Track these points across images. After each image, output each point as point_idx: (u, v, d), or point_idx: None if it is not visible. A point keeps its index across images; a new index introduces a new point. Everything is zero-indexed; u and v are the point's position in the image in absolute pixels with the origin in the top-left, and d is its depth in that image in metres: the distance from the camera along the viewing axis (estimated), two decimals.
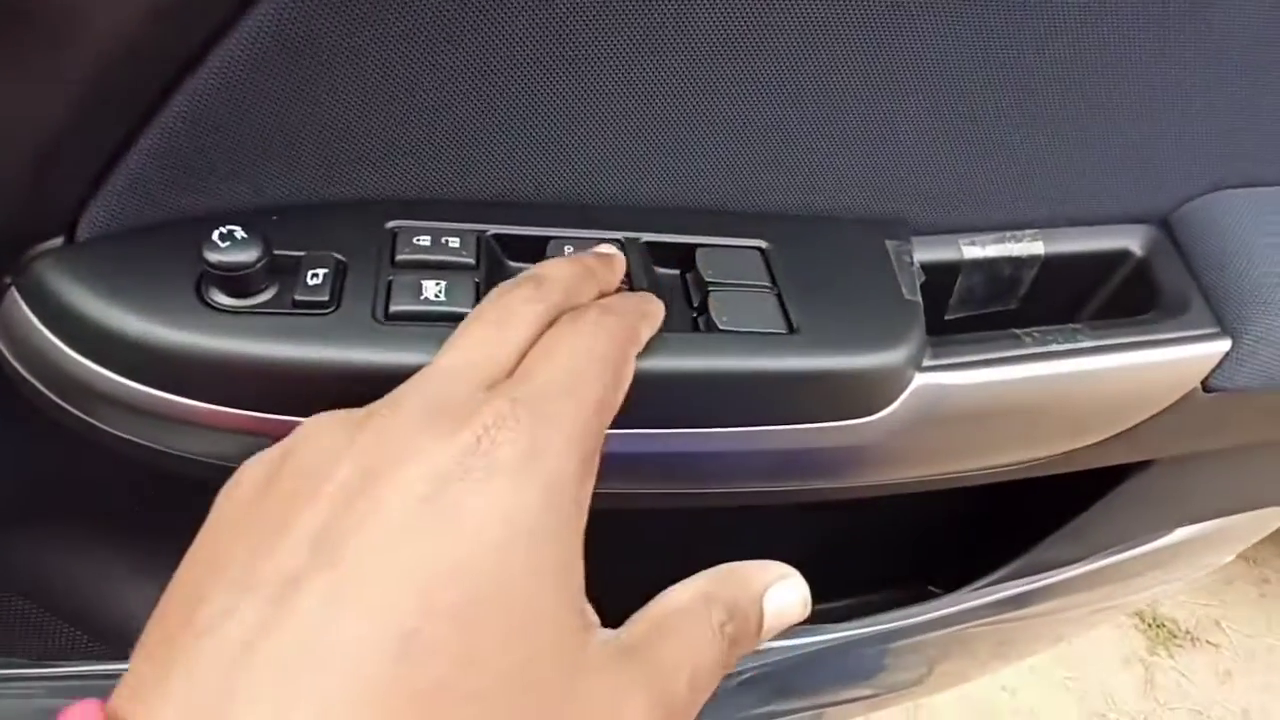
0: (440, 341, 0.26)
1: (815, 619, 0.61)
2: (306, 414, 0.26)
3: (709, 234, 0.32)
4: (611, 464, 0.31)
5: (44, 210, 0.26)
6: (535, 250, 0.30)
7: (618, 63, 0.29)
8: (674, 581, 0.57)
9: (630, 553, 0.53)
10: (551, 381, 0.21)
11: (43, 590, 0.39)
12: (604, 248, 0.29)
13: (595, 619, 0.20)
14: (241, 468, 0.21)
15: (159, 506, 0.33)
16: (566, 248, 0.30)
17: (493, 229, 0.30)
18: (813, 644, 0.51)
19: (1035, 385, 0.34)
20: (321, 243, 0.28)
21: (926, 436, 0.33)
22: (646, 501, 0.33)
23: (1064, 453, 0.38)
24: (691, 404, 0.29)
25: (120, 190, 0.26)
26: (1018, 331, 0.35)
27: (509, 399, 0.20)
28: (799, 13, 0.29)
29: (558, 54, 0.28)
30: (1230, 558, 0.60)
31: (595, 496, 0.33)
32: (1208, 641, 1.26)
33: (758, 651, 0.49)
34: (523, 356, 0.22)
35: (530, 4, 0.27)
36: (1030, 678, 1.17)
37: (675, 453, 0.31)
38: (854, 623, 0.52)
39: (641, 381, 0.28)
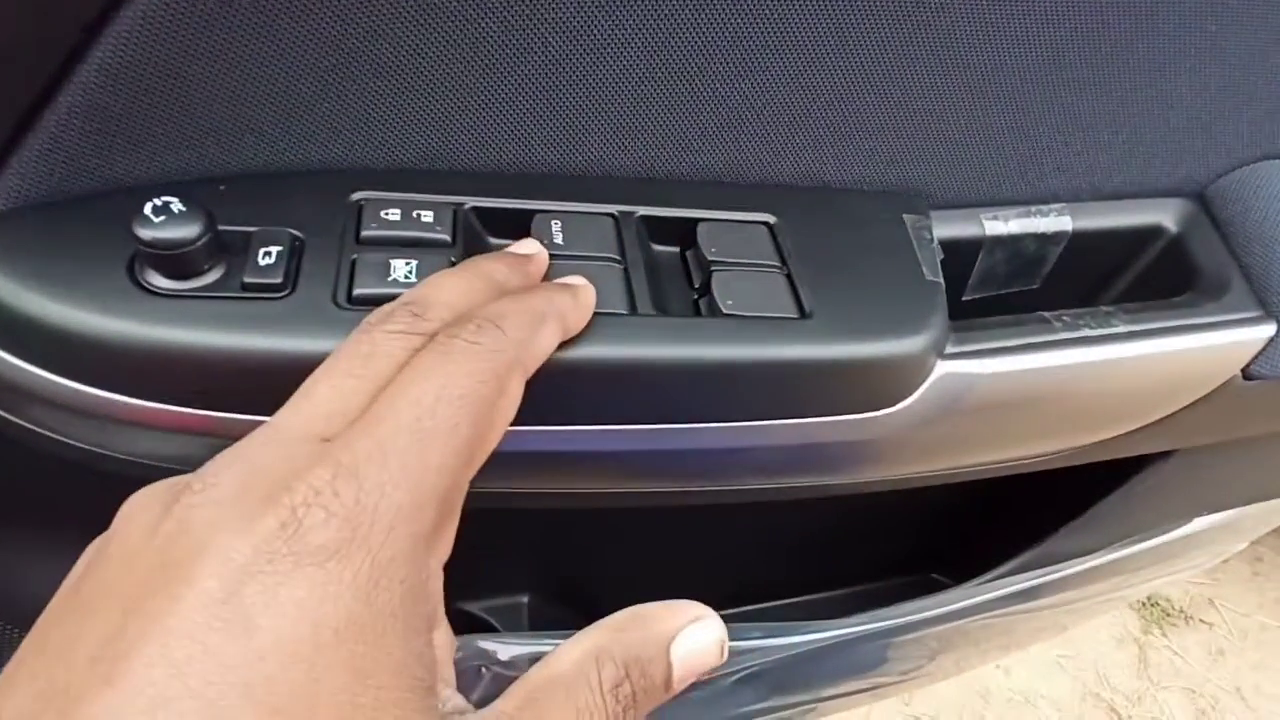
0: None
1: (818, 610, 0.59)
2: (259, 411, 0.23)
3: (711, 208, 0.29)
4: (610, 461, 0.28)
5: None
6: (519, 226, 0.27)
7: (611, 17, 0.25)
8: (669, 576, 0.54)
9: (623, 546, 0.51)
10: (391, 436, 0.18)
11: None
12: (523, 245, 0.25)
13: (453, 704, 0.17)
14: (87, 549, 0.19)
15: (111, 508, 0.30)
16: (554, 223, 0.27)
17: (471, 202, 0.27)
18: (815, 641, 0.49)
19: (1065, 373, 0.31)
20: (275, 217, 0.24)
21: (948, 428, 0.31)
22: (646, 500, 0.30)
23: (1091, 444, 0.36)
24: (694, 396, 0.27)
25: (38, 155, 0.23)
26: (1047, 315, 0.32)
27: (332, 466, 0.17)
28: None
29: (544, 7, 0.25)
30: (1243, 546, 0.58)
31: (593, 496, 0.30)
32: (1201, 620, 1.25)
33: (757, 650, 0.46)
34: None
35: None
36: (1024, 657, 1.17)
37: (676, 450, 0.28)
38: (858, 618, 0.50)
39: (640, 372, 0.25)
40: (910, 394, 0.29)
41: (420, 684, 0.17)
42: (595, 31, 0.26)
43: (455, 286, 0.22)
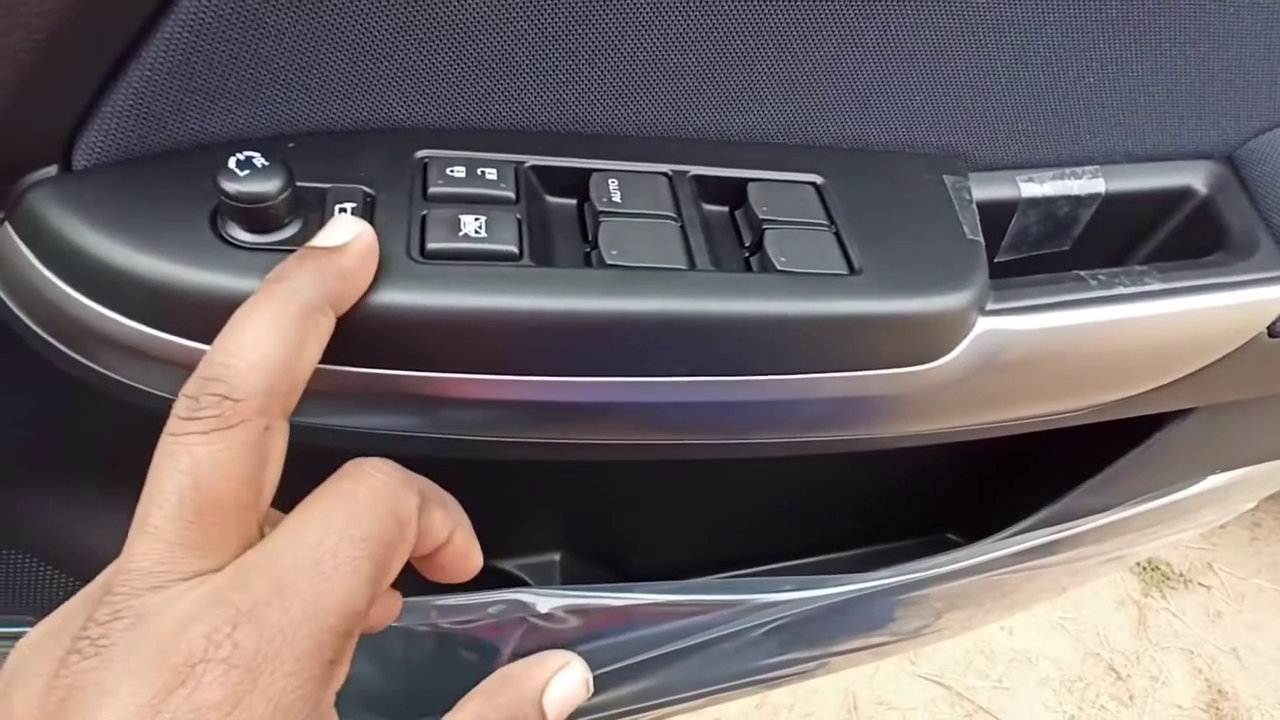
0: (483, 281, 0.24)
1: (837, 569, 0.61)
2: (339, 361, 0.24)
3: (760, 168, 0.30)
4: (664, 414, 0.29)
5: (34, 134, 0.23)
6: (577, 183, 0.28)
7: None
8: (693, 535, 0.55)
9: (651, 505, 0.52)
10: (291, 576, 0.17)
11: (54, 548, 0.37)
12: (332, 231, 0.22)
13: None
14: None
15: None
16: (611, 181, 0.28)
17: (531, 160, 0.28)
18: (844, 594, 0.51)
19: (1100, 330, 0.32)
20: (345, 174, 0.25)
21: (987, 383, 0.32)
22: (692, 454, 0.32)
23: (1119, 400, 0.37)
24: (748, 349, 0.27)
25: (121, 111, 0.23)
26: (1083, 273, 0.33)
27: (229, 612, 0.16)
28: None
29: None
30: (1252, 504, 0.60)
31: (645, 449, 0.31)
32: (1200, 583, 1.28)
33: (787, 602, 0.48)
34: (248, 510, 0.18)
35: None
36: (1027, 618, 1.19)
37: (727, 402, 0.29)
38: (879, 573, 0.51)
39: (698, 326, 0.26)
40: (952, 349, 0.30)
41: None
42: (651, 3, 0.26)
43: (260, 337, 0.19)
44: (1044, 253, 0.39)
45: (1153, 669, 1.19)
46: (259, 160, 0.22)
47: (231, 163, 0.22)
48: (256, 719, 0.16)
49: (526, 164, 0.27)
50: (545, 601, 0.44)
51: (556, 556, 0.53)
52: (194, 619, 0.16)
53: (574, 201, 0.29)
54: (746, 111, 0.30)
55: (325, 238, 0.22)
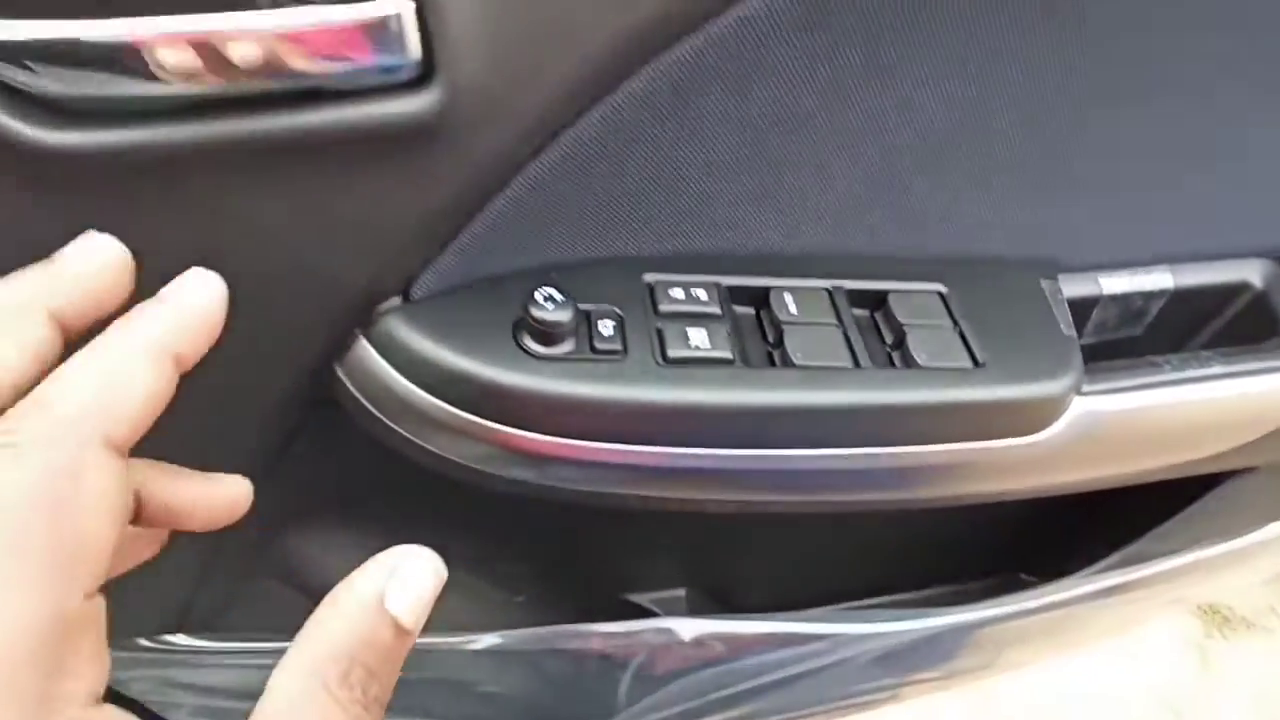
0: (716, 383, 0.32)
1: (916, 604, 0.67)
2: (607, 440, 0.32)
3: (895, 279, 0.38)
4: (827, 480, 0.37)
5: (391, 276, 0.32)
6: (759, 299, 0.36)
7: (823, 145, 0.34)
8: (802, 573, 0.63)
9: (764, 548, 0.59)
10: None
11: (315, 583, 0.45)
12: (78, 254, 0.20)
13: None
14: None
15: (441, 513, 0.40)
16: (787, 295, 0.36)
17: (726, 281, 0.36)
18: (926, 628, 0.57)
19: (1175, 407, 0.39)
20: (599, 296, 0.34)
21: (1081, 450, 0.39)
22: (841, 507, 0.39)
23: (1189, 461, 0.44)
24: (898, 428, 0.35)
25: (451, 260, 0.32)
26: (1157, 359, 0.40)
27: None
28: (956, 94, 0.33)
29: (785, 143, 0.33)
30: None
31: (807, 505, 0.39)
32: (1262, 627, 1.30)
33: (877, 635, 0.55)
34: None
35: (769, 98, 0.31)
36: (1085, 655, 1.22)
37: (877, 469, 0.36)
38: (967, 608, 0.58)
39: (862, 410, 0.34)
40: (1053, 424, 0.38)
41: None
42: (813, 157, 0.34)
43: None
44: (1120, 338, 0.46)
45: (1214, 712, 1.21)
46: (556, 294, 0.31)
47: (539, 296, 0.31)
48: None
49: (723, 284, 0.36)
50: (689, 628, 0.52)
51: (682, 591, 0.60)
52: None
53: (752, 310, 0.37)
54: (883, 233, 0.38)
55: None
